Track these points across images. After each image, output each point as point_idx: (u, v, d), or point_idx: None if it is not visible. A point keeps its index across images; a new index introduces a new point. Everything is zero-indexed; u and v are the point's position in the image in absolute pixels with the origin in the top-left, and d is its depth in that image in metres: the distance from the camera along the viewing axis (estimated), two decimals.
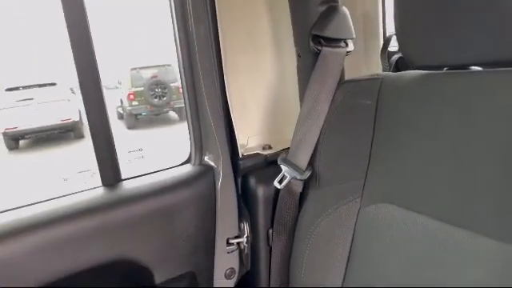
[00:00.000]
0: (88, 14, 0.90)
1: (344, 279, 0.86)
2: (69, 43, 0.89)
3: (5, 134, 8.72)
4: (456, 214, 0.65)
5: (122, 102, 10.32)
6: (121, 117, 10.80)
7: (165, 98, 9.54)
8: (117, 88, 10.70)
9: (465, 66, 0.71)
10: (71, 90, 9.77)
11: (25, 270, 0.80)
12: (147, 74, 9.71)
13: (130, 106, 9.79)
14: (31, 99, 8.76)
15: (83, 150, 8.15)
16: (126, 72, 9.95)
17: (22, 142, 9.40)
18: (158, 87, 9.55)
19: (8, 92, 8.85)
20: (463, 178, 0.65)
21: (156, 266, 0.96)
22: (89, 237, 0.87)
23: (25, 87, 8.94)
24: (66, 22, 0.87)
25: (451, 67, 0.72)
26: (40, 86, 9.05)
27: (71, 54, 0.89)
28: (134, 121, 10.16)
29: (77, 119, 9.14)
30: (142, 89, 9.49)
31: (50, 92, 9.02)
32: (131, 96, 9.73)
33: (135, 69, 9.91)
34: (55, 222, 0.84)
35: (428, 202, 0.70)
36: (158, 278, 0.97)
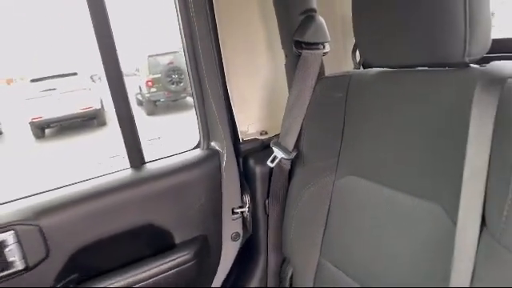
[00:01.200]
0: (107, 4, 1.07)
1: (323, 235, 1.08)
2: (92, 34, 1.08)
3: (31, 124, 9.10)
4: (400, 182, 0.86)
5: (140, 89, 10.56)
6: (140, 103, 11.07)
7: (181, 84, 9.73)
8: (135, 75, 10.95)
9: (413, 66, 0.89)
10: (91, 78, 10.09)
11: (78, 232, 1.05)
12: (164, 61, 9.87)
13: (149, 92, 10.03)
14: (54, 89, 9.10)
15: (107, 137, 8.52)
16: (144, 59, 10.15)
17: (47, 131, 9.82)
18: (174, 73, 9.72)
19: (32, 83, 9.22)
20: (405, 154, 0.86)
21: (175, 229, 1.20)
22: (123, 207, 1.11)
23: (48, 78, 9.28)
24: (91, 14, 1.06)
25: (402, 67, 0.91)
26: (62, 76, 9.38)
27: (96, 45, 1.08)
28: (153, 107, 10.42)
29: (98, 107, 9.43)
30: (159, 75, 9.68)
31: (72, 82, 9.32)
32: (149, 83, 9.95)
33: (152, 56, 10.07)
34: (98, 196, 1.08)
35: (382, 173, 0.91)
36: (178, 239, 1.21)
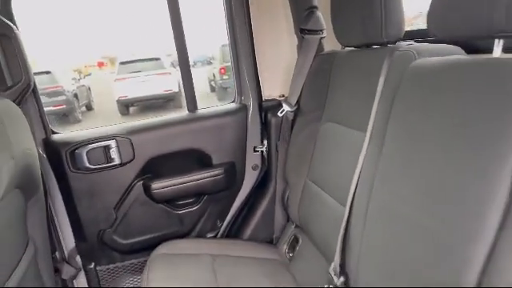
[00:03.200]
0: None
1: (310, 163, 1.57)
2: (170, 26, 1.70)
3: (118, 102, 10.35)
4: (356, 122, 1.31)
5: (214, 76, 11.40)
6: (213, 90, 11.95)
7: None
8: (210, 63, 11.76)
9: (368, 45, 1.34)
10: (172, 63, 11.12)
11: (152, 147, 1.68)
12: None
13: (221, 79, 10.81)
14: (139, 71, 10.26)
15: None
16: (218, 48, 10.95)
17: (131, 109, 11.05)
18: None
19: (121, 65, 10.48)
20: (364, 106, 1.29)
21: (213, 154, 1.79)
22: (181, 136, 1.73)
23: (134, 61, 10.49)
24: (168, 8, 1.68)
25: (359, 46, 1.37)
26: (147, 60, 10.53)
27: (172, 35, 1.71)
28: (224, 93, 11.22)
29: (177, 90, 10.40)
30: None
31: (155, 65, 10.41)
32: (222, 70, 10.73)
33: (226, 45, 10.79)
34: (166, 126, 1.72)
35: (347, 119, 1.36)
36: (215, 161, 1.80)
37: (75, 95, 10.32)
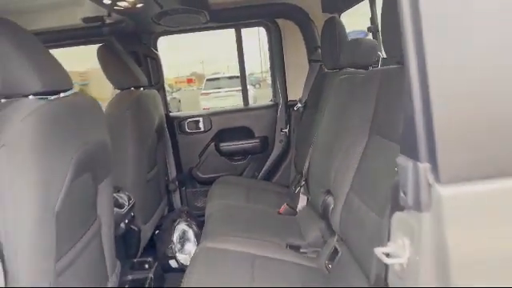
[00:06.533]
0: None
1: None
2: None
3: None
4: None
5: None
6: None
7: None
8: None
9: (342, 68, 2.50)
10: (251, 82, 12.74)
11: (218, 124, 3.02)
12: None
13: None
14: (221, 88, 12.00)
15: None
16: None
17: None
18: None
19: (208, 81, 12.37)
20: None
21: (255, 130, 3.07)
22: (237, 118, 3.04)
23: (218, 78, 12.32)
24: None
25: (336, 68, 2.53)
26: (229, 78, 12.28)
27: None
28: None
29: (251, 103, 11.90)
30: None
31: (235, 83, 12.06)
32: None
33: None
34: (228, 112, 3.04)
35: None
36: (256, 135, 3.08)
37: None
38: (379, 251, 0.81)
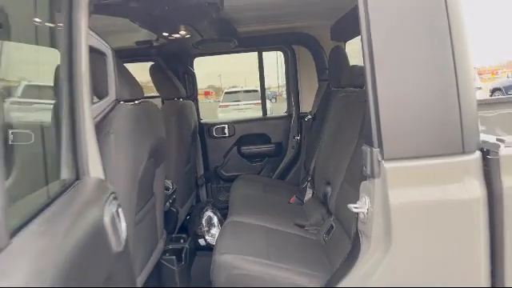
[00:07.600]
0: None
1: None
2: None
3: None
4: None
5: None
6: None
7: None
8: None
9: (344, 87, 3.04)
10: (267, 96, 13.32)
11: (240, 130, 3.59)
12: None
13: None
14: (239, 101, 12.62)
15: None
16: None
17: None
18: None
19: (226, 94, 13.03)
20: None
21: (272, 137, 3.63)
22: (256, 125, 3.61)
23: (237, 92, 12.97)
24: None
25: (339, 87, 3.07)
26: (246, 91, 12.92)
27: None
28: None
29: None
30: None
31: (253, 96, 12.65)
32: None
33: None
34: (249, 120, 3.61)
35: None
36: (272, 141, 3.64)
37: None
38: (351, 206, 1.36)
